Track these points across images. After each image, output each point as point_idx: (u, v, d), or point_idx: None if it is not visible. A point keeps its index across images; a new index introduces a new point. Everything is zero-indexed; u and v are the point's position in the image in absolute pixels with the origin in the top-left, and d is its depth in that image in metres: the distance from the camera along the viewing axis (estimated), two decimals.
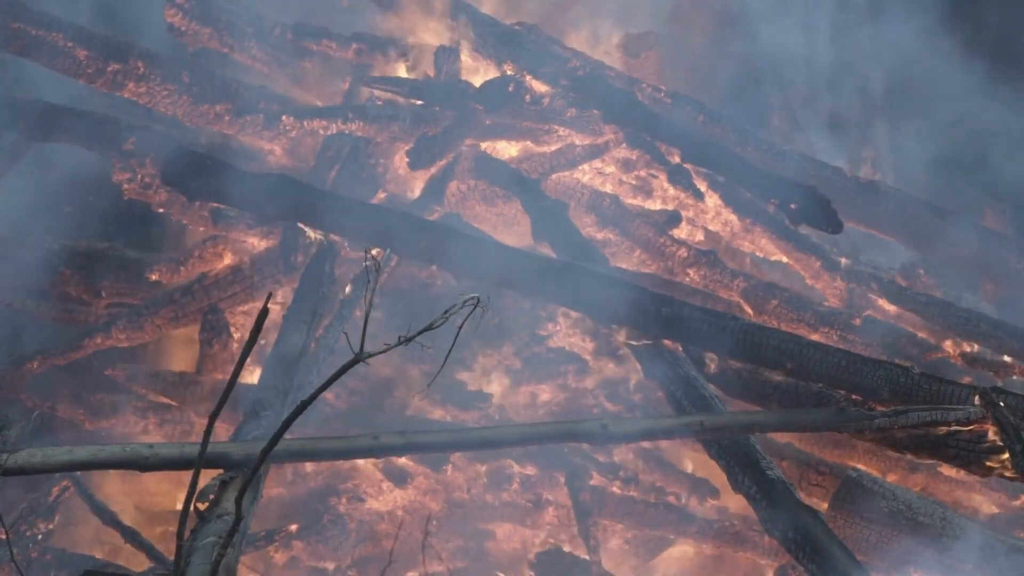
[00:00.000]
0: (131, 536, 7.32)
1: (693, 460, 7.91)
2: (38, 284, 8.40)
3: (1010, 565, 6.71)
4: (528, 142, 8.43)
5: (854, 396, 6.58)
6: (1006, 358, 8.06)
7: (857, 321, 8.05)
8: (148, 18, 8.66)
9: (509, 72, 8.42)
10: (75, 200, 8.89)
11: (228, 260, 8.24)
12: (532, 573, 7.48)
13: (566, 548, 7.58)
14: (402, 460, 7.66)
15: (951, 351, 8.13)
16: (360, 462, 7.62)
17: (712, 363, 7.17)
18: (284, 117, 8.18)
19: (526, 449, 7.61)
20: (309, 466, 7.68)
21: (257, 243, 8.14)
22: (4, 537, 6.20)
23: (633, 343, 7.17)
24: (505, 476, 7.68)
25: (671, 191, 8.40)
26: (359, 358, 4.20)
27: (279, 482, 7.64)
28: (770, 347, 6.75)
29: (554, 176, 8.37)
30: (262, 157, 8.33)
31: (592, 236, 8.20)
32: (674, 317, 6.90)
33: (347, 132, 8.17)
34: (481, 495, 7.67)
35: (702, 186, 8.37)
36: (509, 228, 8.30)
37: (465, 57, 8.59)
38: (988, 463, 6.32)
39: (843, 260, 8.41)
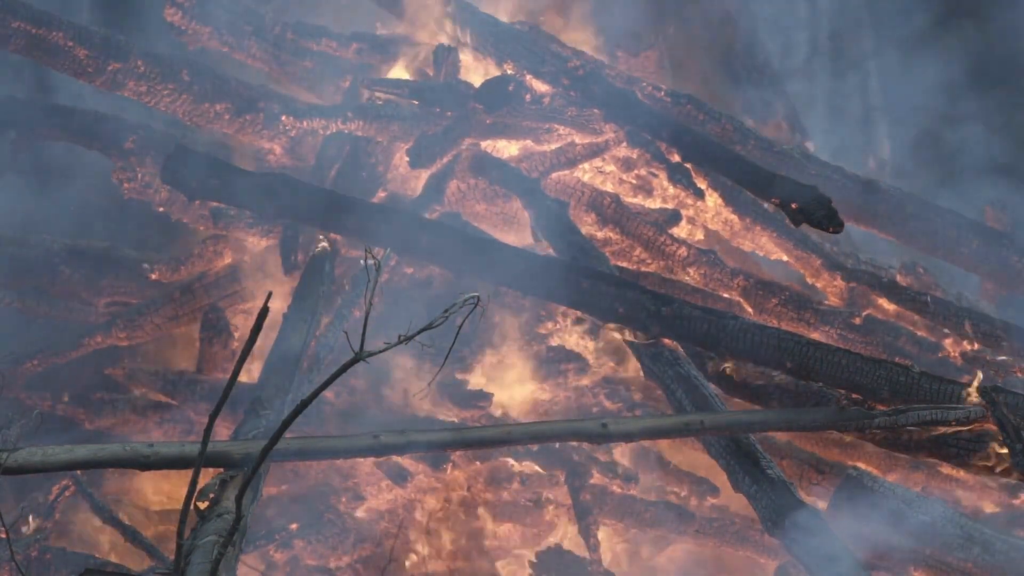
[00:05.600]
0: (131, 535, 7.32)
1: (693, 459, 7.91)
2: (38, 283, 8.40)
3: (1009, 563, 6.71)
4: (528, 141, 8.43)
5: (854, 395, 6.58)
6: (1006, 357, 8.07)
7: (857, 320, 8.05)
8: (148, 17, 8.67)
9: (509, 71, 8.43)
10: (75, 200, 8.90)
11: (228, 259, 8.24)
12: (532, 572, 7.48)
13: (566, 547, 7.58)
14: (402, 459, 7.66)
15: (951, 351, 8.13)
16: (360, 461, 7.62)
17: (712, 362, 7.16)
18: (284, 116, 8.18)
19: (526, 448, 7.61)
20: (309, 465, 7.68)
21: (257, 242, 8.14)
22: (4, 536, 6.20)
23: (633, 342, 7.17)
24: (505, 475, 7.68)
25: (671, 190, 8.41)
26: (359, 357, 4.20)
27: (279, 481, 7.64)
28: (770, 346, 6.75)
29: (554, 175, 8.37)
30: (262, 156, 8.33)
31: (592, 235, 8.20)
32: (674, 316, 6.90)
33: (347, 132, 8.17)
34: (481, 494, 7.68)
35: (702, 184, 8.37)
36: (509, 227, 8.30)
37: (465, 56, 8.59)
38: (988, 462, 6.32)
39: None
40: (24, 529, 7.51)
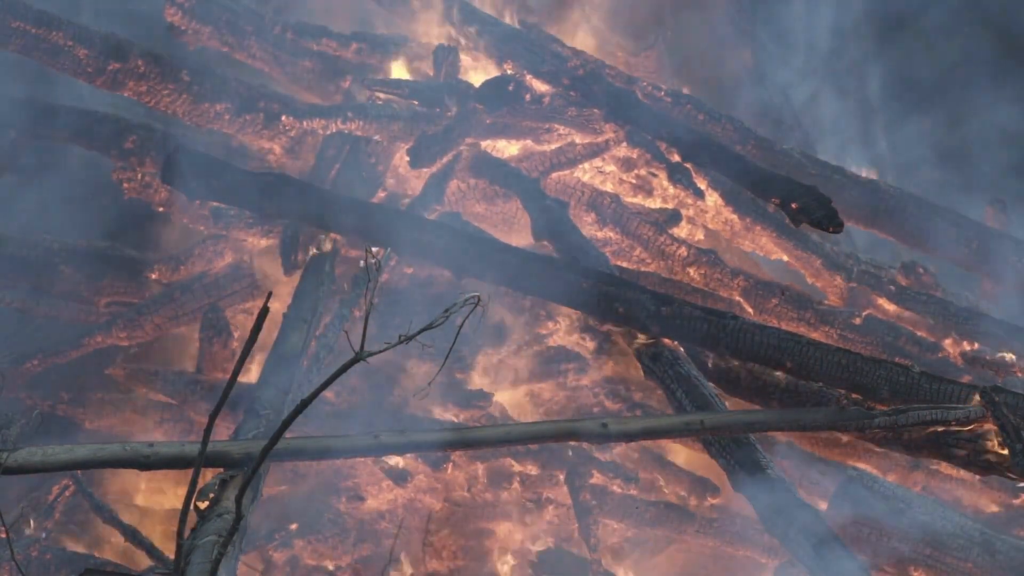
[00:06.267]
0: (131, 535, 7.32)
1: (693, 459, 7.91)
2: (38, 283, 8.39)
3: (1009, 564, 6.71)
4: (528, 141, 8.43)
5: (854, 395, 6.58)
6: (1006, 357, 8.06)
7: (857, 320, 8.05)
8: (148, 17, 8.67)
9: (509, 71, 8.43)
10: (75, 199, 8.89)
11: (228, 259, 8.24)
12: (532, 572, 7.48)
13: (566, 547, 7.58)
14: (402, 459, 7.66)
15: (951, 350, 8.13)
16: (360, 460, 7.62)
17: (712, 362, 7.16)
18: (284, 116, 8.18)
19: (526, 448, 7.61)
20: (309, 464, 7.68)
21: (257, 242, 8.14)
22: (4, 536, 6.20)
23: (634, 343, 7.17)
24: (505, 475, 7.68)
25: (671, 190, 8.41)
26: (359, 357, 4.20)
27: (279, 481, 7.64)
28: (770, 346, 6.75)
29: (554, 175, 8.37)
30: (262, 156, 8.33)
31: (592, 235, 8.20)
32: (674, 316, 6.90)
33: (347, 132, 8.17)
34: (481, 494, 7.68)
35: (702, 184, 8.37)
36: (509, 227, 8.30)
37: (465, 56, 8.60)
38: (988, 462, 6.32)
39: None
40: (25, 529, 7.51)
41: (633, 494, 7.68)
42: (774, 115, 10.08)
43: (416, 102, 8.30)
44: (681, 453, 7.95)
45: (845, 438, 7.51)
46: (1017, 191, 9.92)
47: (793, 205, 7.29)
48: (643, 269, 8.23)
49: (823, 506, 7.06)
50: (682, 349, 7.09)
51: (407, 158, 8.09)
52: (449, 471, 7.64)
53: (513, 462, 7.69)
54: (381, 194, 8.22)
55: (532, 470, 7.70)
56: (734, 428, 6.39)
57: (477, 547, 7.64)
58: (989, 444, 6.29)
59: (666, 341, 7.07)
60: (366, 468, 7.70)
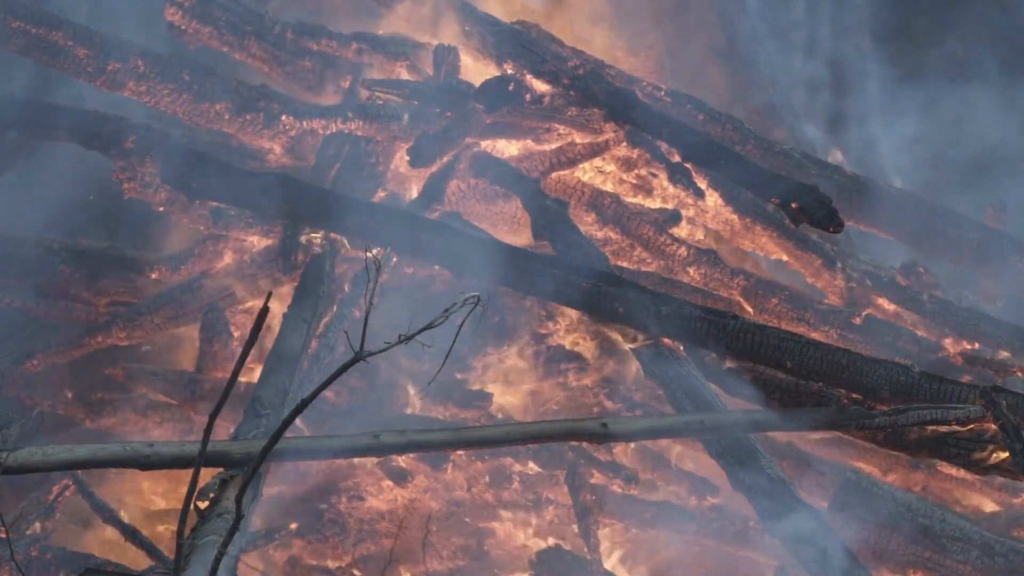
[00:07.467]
0: (131, 534, 7.32)
1: (693, 459, 7.91)
2: (38, 283, 8.39)
3: (1008, 567, 6.71)
4: (528, 141, 8.43)
5: (854, 395, 6.58)
6: (1005, 354, 8.07)
7: (857, 320, 8.05)
8: (148, 17, 8.67)
9: (509, 71, 8.42)
10: (75, 199, 8.89)
11: (228, 259, 8.24)
12: (532, 572, 7.48)
13: (566, 547, 7.58)
14: (402, 459, 7.66)
15: (951, 350, 8.13)
16: (360, 460, 7.62)
17: (712, 362, 7.16)
18: (284, 116, 8.18)
19: (526, 448, 7.61)
20: (309, 464, 7.68)
21: (257, 242, 8.14)
22: (4, 536, 6.20)
23: (633, 343, 7.17)
24: (505, 475, 7.68)
25: (671, 190, 8.41)
26: (359, 357, 4.20)
27: (279, 480, 7.64)
28: (770, 346, 6.75)
29: (554, 175, 8.37)
30: (262, 156, 8.33)
31: (592, 235, 8.20)
32: (674, 316, 6.90)
33: (347, 132, 8.17)
34: (481, 494, 7.68)
35: (702, 184, 8.37)
36: (509, 227, 8.30)
37: (465, 56, 8.59)
38: (988, 462, 6.32)
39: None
40: (25, 529, 7.51)
41: (633, 494, 7.68)
42: (774, 114, 10.08)
43: (416, 102, 8.30)
44: (681, 453, 7.95)
45: (845, 438, 7.51)
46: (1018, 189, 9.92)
47: (793, 205, 7.29)
48: (643, 269, 8.23)
49: (823, 506, 7.06)
50: (682, 348, 7.09)
51: (407, 158, 8.09)
52: (449, 471, 7.64)
53: (513, 462, 7.69)
54: (381, 194, 8.22)
55: (532, 470, 7.70)
56: (734, 428, 6.40)
57: (477, 547, 7.64)
58: (989, 444, 6.29)
59: (666, 341, 7.07)
60: (366, 468, 7.70)
